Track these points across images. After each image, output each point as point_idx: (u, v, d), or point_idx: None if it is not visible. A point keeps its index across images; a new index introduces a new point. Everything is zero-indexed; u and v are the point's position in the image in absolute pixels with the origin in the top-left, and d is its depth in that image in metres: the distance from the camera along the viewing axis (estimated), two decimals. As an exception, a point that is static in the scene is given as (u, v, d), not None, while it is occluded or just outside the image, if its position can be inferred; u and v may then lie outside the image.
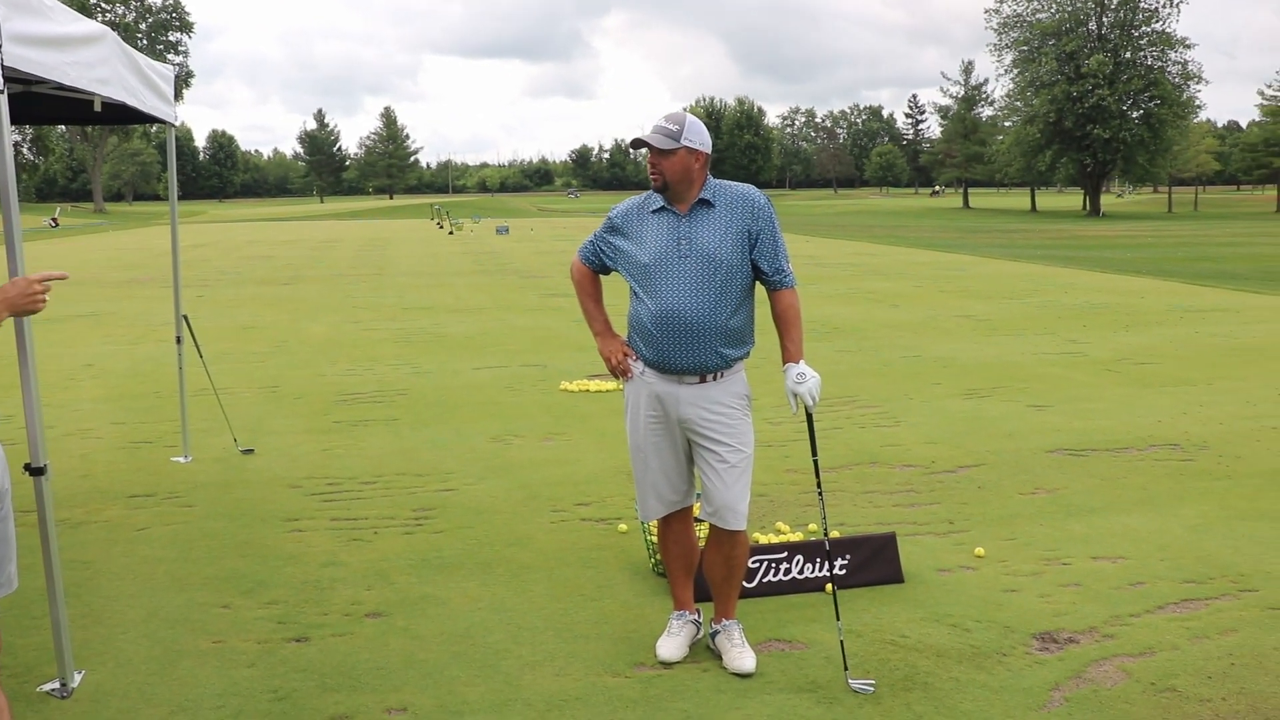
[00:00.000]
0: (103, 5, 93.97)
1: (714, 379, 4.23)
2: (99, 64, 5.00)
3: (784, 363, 4.27)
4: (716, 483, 4.24)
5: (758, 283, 4.32)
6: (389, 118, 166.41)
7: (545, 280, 23.38)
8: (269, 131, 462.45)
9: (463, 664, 4.41)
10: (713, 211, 4.21)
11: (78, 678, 4.28)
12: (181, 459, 7.79)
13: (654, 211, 4.27)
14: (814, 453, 4.47)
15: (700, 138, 4.18)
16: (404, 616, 4.91)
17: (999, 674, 4.26)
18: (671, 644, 4.48)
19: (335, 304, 18.90)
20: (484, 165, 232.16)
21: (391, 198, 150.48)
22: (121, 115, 6.40)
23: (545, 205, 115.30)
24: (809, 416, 4.36)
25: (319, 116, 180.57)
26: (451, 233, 50.27)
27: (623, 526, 6.10)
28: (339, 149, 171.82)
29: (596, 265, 4.50)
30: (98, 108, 5.51)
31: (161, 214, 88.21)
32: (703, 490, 4.35)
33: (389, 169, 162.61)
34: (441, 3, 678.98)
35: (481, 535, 6.06)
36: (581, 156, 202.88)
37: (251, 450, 8.03)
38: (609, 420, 8.90)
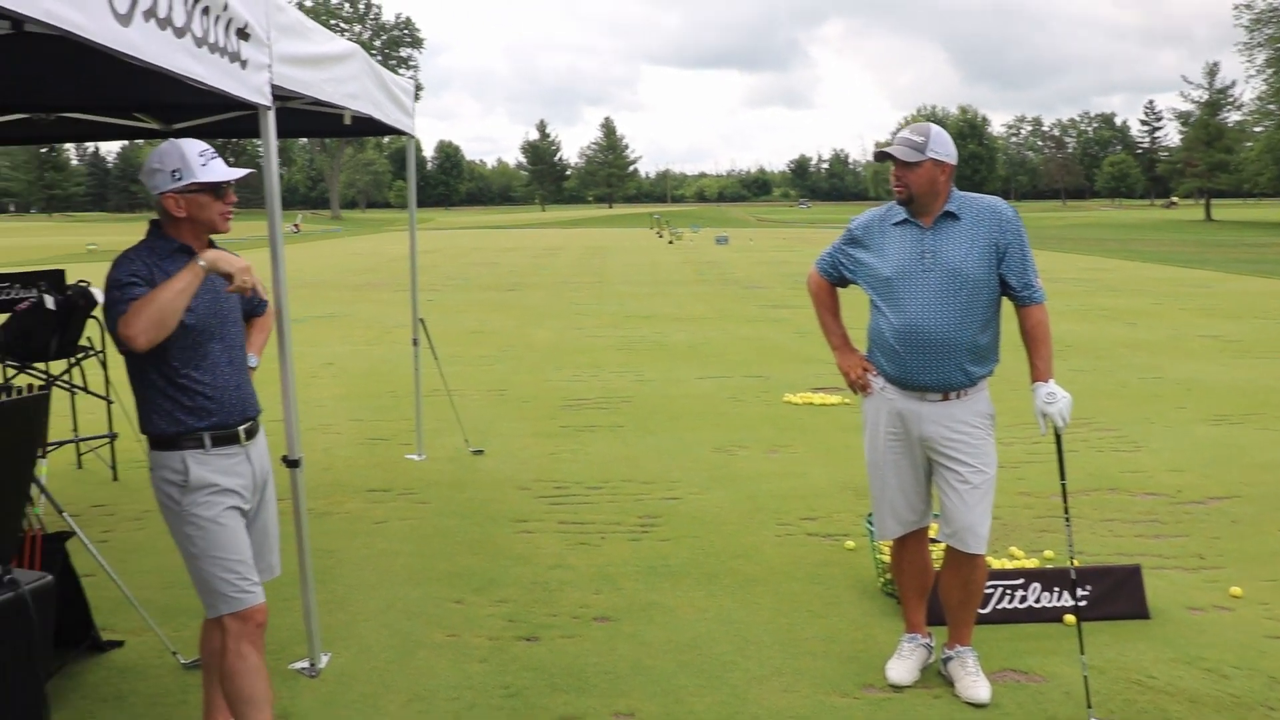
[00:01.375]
0: (342, 25, 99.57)
1: (957, 397, 4.09)
2: (349, 80, 5.27)
3: (1033, 381, 4.09)
4: (958, 503, 4.09)
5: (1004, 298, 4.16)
6: (608, 128, 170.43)
7: (766, 291, 23.31)
8: (493, 142, 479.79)
9: (690, 673, 4.41)
10: (958, 224, 4.08)
11: (324, 659, 4.51)
12: (416, 456, 8.10)
13: (896, 224, 4.17)
14: (1062, 476, 4.26)
15: (946, 149, 4.08)
16: (631, 622, 4.95)
17: (1263, 724, 3.95)
18: (902, 667, 4.36)
19: (558, 310, 19.35)
20: (702, 175, 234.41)
21: (611, 206, 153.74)
22: (365, 127, 6.71)
23: (764, 215, 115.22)
24: (1058, 439, 4.17)
25: (541, 127, 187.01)
26: (671, 242, 50.83)
27: (850, 544, 5.99)
28: (560, 159, 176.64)
29: (835, 278, 4.41)
30: (348, 121, 5.78)
31: (393, 221, 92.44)
32: (942, 511, 4.21)
33: (608, 178, 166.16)
34: (658, 14, 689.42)
35: (707, 545, 6.05)
36: (800, 166, 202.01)
37: (481, 451, 8.27)
38: (835, 434, 8.77)
